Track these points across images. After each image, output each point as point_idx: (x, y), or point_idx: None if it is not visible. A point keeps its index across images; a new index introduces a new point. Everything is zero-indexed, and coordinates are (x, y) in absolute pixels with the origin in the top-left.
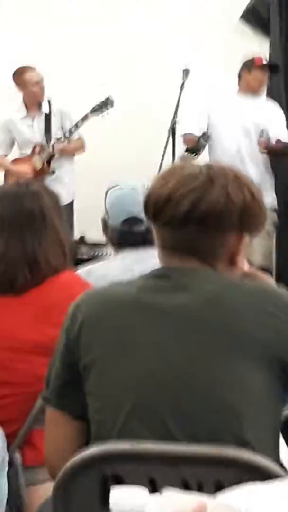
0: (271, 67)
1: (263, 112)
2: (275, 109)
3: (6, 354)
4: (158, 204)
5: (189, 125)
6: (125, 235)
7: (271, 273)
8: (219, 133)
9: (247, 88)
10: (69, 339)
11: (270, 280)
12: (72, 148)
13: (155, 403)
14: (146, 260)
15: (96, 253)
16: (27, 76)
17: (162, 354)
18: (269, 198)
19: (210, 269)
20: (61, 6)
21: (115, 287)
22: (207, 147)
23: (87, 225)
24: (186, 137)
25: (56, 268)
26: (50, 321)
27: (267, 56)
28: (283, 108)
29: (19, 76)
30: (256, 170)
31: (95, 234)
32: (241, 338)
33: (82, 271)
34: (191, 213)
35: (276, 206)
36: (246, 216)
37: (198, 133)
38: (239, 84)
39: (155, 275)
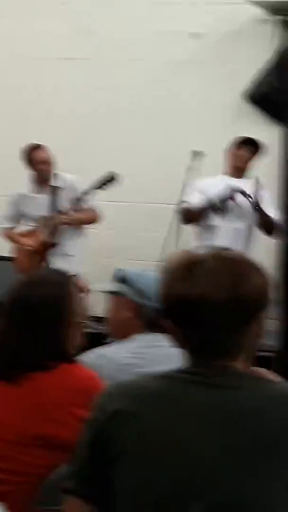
0: (249, 142)
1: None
2: (265, 192)
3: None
4: (190, 306)
5: (188, 196)
6: (159, 317)
7: None
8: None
9: (232, 169)
10: (98, 430)
11: (274, 376)
12: (76, 220)
13: (180, 505)
14: (158, 345)
15: (101, 327)
16: (34, 155)
17: (195, 455)
18: None
19: (240, 368)
20: (69, 79)
21: (145, 381)
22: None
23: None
24: (183, 206)
25: (71, 352)
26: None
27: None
28: None
29: (27, 154)
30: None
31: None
32: (274, 448)
33: (94, 354)
34: (229, 313)
35: None
36: (267, 301)
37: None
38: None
39: (188, 372)
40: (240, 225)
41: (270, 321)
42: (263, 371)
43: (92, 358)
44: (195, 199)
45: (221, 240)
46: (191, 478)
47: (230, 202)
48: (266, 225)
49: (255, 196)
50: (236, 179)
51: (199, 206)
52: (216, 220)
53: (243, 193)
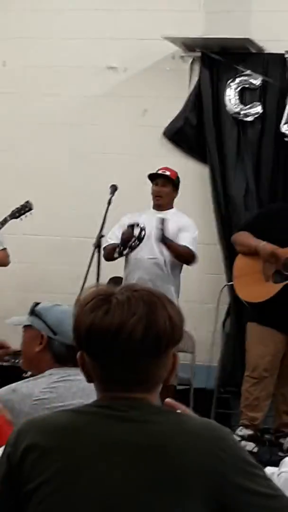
0: (162, 176)
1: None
2: (184, 219)
3: None
4: (106, 337)
5: (110, 237)
6: (72, 353)
7: None
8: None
9: (154, 202)
10: (11, 466)
11: (189, 411)
12: None
13: None
14: (71, 379)
15: (18, 361)
16: None
17: (107, 487)
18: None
19: (153, 401)
20: None
21: (58, 416)
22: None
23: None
24: (106, 247)
25: None
26: None
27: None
28: None
29: None
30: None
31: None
32: (186, 481)
33: (6, 390)
34: (144, 343)
35: None
36: (181, 334)
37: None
38: None
39: (101, 406)
40: (158, 257)
41: (185, 355)
42: (178, 405)
43: (4, 392)
44: (113, 237)
45: (142, 272)
46: (107, 508)
47: (130, 240)
48: (179, 255)
49: (158, 229)
50: (159, 212)
51: (112, 245)
52: (138, 253)
53: (140, 228)
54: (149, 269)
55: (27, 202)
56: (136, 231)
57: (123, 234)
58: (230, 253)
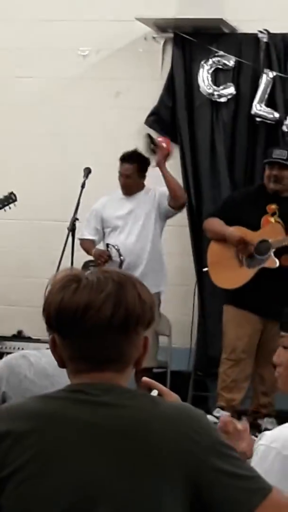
0: (129, 157)
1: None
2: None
3: None
4: (76, 313)
5: (84, 230)
6: None
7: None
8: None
9: (121, 186)
10: None
11: (165, 390)
12: None
13: None
14: None
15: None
16: None
17: (82, 473)
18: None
19: (124, 384)
20: None
21: (31, 402)
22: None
23: None
24: (82, 242)
25: None
26: None
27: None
28: None
29: None
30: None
31: None
32: (163, 465)
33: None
34: (113, 319)
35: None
36: (152, 315)
37: (93, 237)
38: None
39: (74, 390)
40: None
41: (163, 338)
42: (155, 383)
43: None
44: (90, 231)
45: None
46: (83, 494)
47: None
48: (173, 187)
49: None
50: (126, 196)
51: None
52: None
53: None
54: (135, 253)
55: (11, 193)
56: (113, 253)
57: (96, 252)
58: (197, 237)
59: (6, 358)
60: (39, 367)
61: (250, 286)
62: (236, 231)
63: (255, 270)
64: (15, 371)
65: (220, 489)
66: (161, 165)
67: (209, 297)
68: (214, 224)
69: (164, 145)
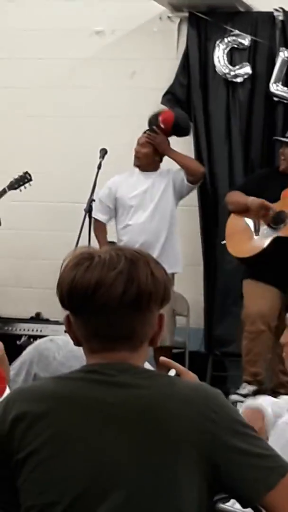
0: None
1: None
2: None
3: None
4: (87, 291)
5: (97, 210)
6: None
7: None
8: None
9: (136, 162)
10: (1, 436)
11: (183, 369)
12: None
13: (91, 499)
14: None
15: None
16: None
17: (99, 453)
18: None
19: (140, 363)
20: None
21: (46, 383)
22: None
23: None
24: (96, 222)
25: None
26: None
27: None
28: None
29: None
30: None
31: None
32: (179, 444)
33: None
34: (124, 296)
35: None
36: (166, 292)
37: (105, 216)
38: None
39: (89, 371)
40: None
41: (181, 319)
42: (173, 363)
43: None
44: (102, 210)
45: (134, 237)
46: (101, 474)
47: None
48: (185, 165)
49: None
50: (144, 173)
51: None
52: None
53: None
54: (151, 232)
55: (26, 173)
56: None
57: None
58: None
59: (34, 343)
60: (67, 349)
61: (267, 258)
62: (258, 198)
63: (269, 240)
64: (44, 354)
65: (237, 467)
66: (165, 151)
67: (221, 277)
68: (236, 195)
69: (162, 126)
